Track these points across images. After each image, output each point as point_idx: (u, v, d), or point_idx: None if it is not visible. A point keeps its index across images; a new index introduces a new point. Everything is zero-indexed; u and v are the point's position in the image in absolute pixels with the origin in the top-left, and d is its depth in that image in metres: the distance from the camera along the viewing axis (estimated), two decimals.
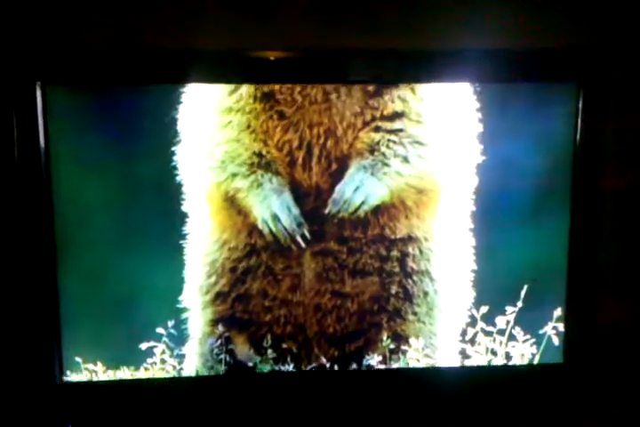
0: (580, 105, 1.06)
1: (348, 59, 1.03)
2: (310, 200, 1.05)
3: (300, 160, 1.03)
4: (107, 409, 1.10)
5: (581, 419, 1.17)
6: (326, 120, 1.02)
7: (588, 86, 1.06)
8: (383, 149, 1.03)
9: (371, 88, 1.02)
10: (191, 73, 1.01)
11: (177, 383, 1.08)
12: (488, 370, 1.12)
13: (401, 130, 1.03)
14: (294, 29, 1.02)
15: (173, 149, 1.02)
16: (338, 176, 1.04)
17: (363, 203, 1.04)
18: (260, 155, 1.03)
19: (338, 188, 1.04)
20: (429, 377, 1.12)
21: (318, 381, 1.10)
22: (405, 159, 1.03)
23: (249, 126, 1.02)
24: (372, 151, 1.03)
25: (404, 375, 1.11)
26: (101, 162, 1.03)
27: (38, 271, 1.04)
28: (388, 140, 1.03)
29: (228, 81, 1.01)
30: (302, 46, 1.02)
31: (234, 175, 1.03)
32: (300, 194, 1.04)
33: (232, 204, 1.04)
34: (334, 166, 1.03)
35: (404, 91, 1.02)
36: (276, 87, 1.01)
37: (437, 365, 1.10)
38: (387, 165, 1.03)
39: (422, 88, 1.02)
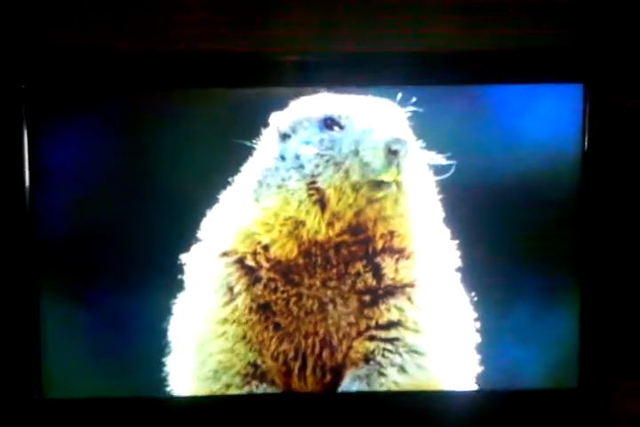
0: None
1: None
2: None
3: (296, 370, 1.01)
4: None
5: None
6: (321, 330, 1.01)
7: None
8: (379, 358, 1.01)
9: (367, 298, 1.01)
10: (179, 77, 1.02)
11: (165, 403, 1.05)
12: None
13: (397, 339, 1.01)
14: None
15: (163, 359, 1.01)
16: (333, 386, 1.01)
17: None
18: (254, 365, 1.00)
19: None
20: (440, 402, 1.07)
21: None
22: (402, 368, 1.01)
23: (244, 337, 1.00)
24: (367, 360, 1.01)
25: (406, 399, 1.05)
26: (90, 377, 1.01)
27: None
28: (384, 348, 1.01)
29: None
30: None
31: (227, 386, 1.00)
32: None
33: None
34: (329, 377, 1.01)
35: (400, 300, 1.01)
36: (273, 298, 1.00)
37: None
38: (383, 374, 1.01)
39: (418, 296, 1.01)
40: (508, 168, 1.04)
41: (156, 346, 1.00)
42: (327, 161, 0.98)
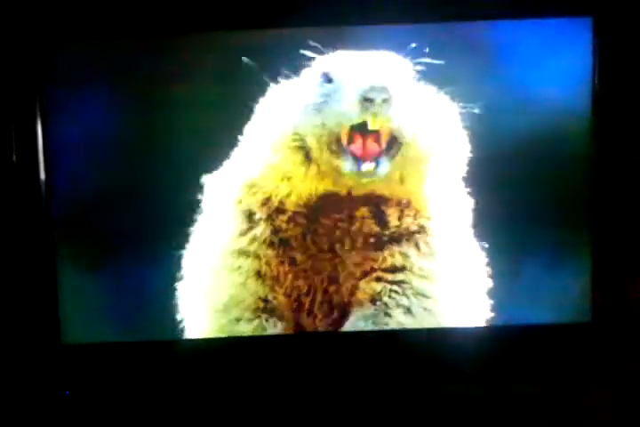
0: None
1: None
2: None
3: (307, 306, 1.03)
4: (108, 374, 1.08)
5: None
6: (331, 269, 1.03)
7: None
8: (385, 298, 1.03)
9: (373, 240, 1.02)
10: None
11: (182, 347, 1.07)
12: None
13: (404, 281, 1.03)
14: None
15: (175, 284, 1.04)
16: (340, 323, 1.04)
17: None
18: (265, 300, 1.03)
19: None
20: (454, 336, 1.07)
21: None
22: (408, 310, 1.03)
23: (259, 272, 1.03)
24: (373, 301, 1.03)
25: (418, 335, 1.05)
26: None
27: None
28: (391, 290, 1.03)
29: None
30: None
31: (237, 319, 1.03)
32: None
33: None
34: (336, 315, 1.03)
35: (406, 247, 1.02)
36: (290, 233, 1.02)
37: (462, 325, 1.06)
38: (388, 315, 1.03)
39: (425, 243, 1.03)
40: (519, 119, 1.05)
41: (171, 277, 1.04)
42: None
